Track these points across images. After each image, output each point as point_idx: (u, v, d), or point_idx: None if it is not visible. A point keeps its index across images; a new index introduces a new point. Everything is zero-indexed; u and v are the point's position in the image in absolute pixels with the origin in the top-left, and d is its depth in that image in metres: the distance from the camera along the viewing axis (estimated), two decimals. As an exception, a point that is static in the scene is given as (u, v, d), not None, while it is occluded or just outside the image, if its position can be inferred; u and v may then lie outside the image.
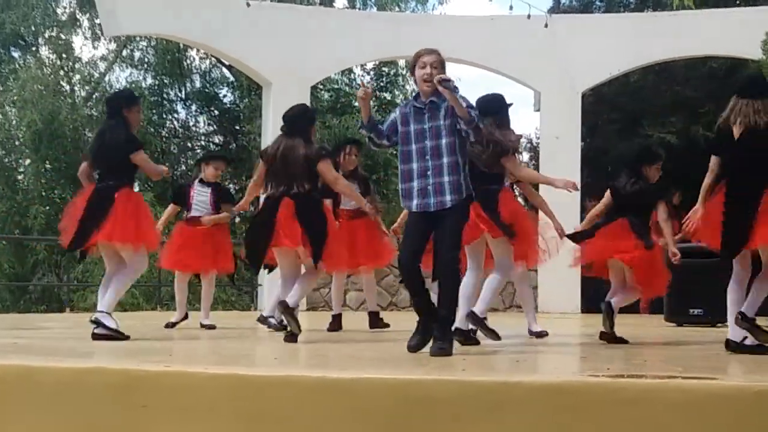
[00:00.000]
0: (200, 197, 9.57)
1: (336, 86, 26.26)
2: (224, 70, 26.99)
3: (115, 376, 4.72)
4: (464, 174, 6.25)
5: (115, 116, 7.65)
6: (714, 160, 6.56)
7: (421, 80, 6.26)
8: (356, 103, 25.66)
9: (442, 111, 6.20)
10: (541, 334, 8.05)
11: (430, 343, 6.09)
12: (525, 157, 25.81)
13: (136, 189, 8.97)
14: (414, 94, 6.50)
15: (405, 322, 7.15)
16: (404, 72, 24.39)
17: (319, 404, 4.43)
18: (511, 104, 7.30)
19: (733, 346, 6.48)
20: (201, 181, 9.66)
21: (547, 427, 4.27)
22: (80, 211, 7.49)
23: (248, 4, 15.23)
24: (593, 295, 9.33)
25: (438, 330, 6.12)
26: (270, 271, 8.68)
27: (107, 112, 7.86)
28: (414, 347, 6.12)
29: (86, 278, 21.63)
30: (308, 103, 15.57)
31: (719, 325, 10.69)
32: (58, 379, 4.78)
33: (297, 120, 7.79)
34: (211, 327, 9.26)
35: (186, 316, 9.62)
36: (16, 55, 27.66)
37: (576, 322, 11.78)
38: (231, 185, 23.85)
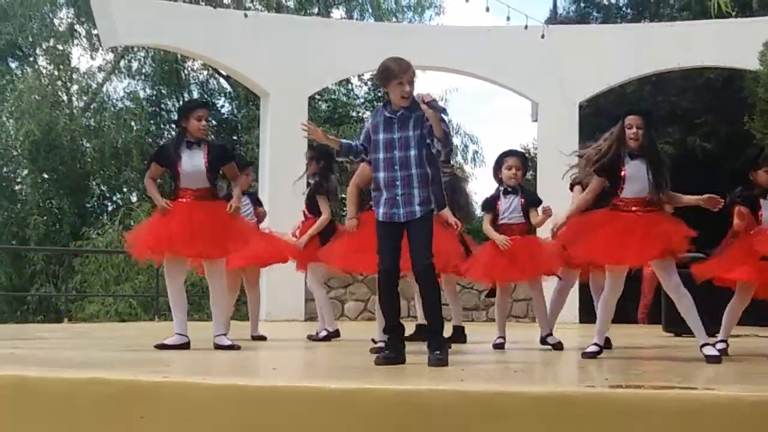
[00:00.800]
0: (191, 162, 9.02)
1: (334, 97, 26.32)
2: (222, 80, 27.03)
3: (113, 387, 4.72)
4: (434, 185, 6.27)
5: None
6: None
7: (399, 97, 6.20)
8: (354, 114, 25.85)
9: (411, 122, 6.19)
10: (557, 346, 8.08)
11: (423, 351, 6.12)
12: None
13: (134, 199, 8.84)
14: (384, 101, 6.46)
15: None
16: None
17: (317, 414, 4.43)
18: None
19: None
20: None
21: (545, 438, 4.28)
22: None
23: (246, 15, 15.28)
24: (591, 306, 9.33)
25: (432, 340, 6.11)
26: None
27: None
28: (382, 362, 6.03)
29: (84, 288, 21.63)
30: (306, 114, 15.65)
31: (717, 335, 10.70)
32: (56, 389, 4.78)
33: None
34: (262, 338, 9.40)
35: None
36: (13, 65, 27.69)
37: (574, 332, 11.76)
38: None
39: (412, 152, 6.17)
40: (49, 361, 6.46)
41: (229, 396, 4.55)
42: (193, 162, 7.56)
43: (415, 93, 6.21)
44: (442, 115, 6.14)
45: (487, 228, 8.00)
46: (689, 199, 7.02)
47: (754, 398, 4.32)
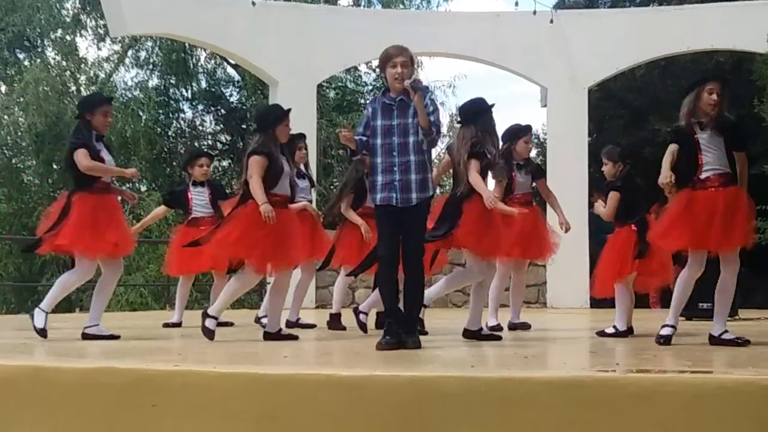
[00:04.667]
0: (199, 199, 9.53)
1: (342, 84, 26.26)
2: (230, 69, 26.99)
3: (124, 376, 4.73)
4: (430, 173, 6.35)
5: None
6: None
7: (392, 79, 6.33)
8: (362, 101, 25.79)
9: (411, 109, 6.28)
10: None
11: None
12: (533, 153, 25.83)
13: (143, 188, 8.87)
14: (383, 88, 6.55)
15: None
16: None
17: (328, 402, 4.43)
18: (492, 105, 7.22)
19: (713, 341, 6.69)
20: (194, 183, 9.60)
21: (556, 423, 4.27)
22: None
23: (254, 3, 15.22)
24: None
25: (408, 325, 6.28)
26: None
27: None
28: (384, 347, 6.14)
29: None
30: (314, 102, 15.63)
31: (728, 319, 10.68)
32: (68, 379, 4.79)
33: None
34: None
35: (180, 323, 9.57)
36: (21, 56, 27.69)
37: (584, 317, 11.76)
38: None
39: (411, 139, 6.26)
40: (62, 350, 6.48)
41: (240, 384, 4.56)
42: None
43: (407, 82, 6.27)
44: (430, 99, 6.25)
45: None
46: None
47: (766, 382, 4.31)
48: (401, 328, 6.25)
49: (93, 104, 7.74)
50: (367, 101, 26.15)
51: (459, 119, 7.22)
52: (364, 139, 6.44)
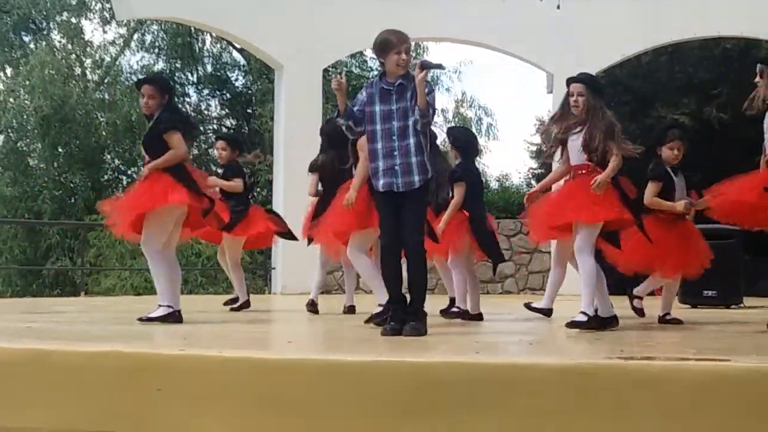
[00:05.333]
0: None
1: (347, 69, 26.24)
2: (235, 53, 26.98)
3: (129, 360, 4.73)
4: (428, 154, 6.35)
5: None
6: None
7: (395, 65, 6.34)
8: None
9: (409, 92, 6.30)
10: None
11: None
12: (538, 139, 25.77)
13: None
14: (379, 73, 6.55)
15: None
16: (414, 54, 24.29)
17: (332, 387, 4.44)
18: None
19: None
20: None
21: (560, 410, 4.28)
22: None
23: (259, -13, 15.20)
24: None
25: (411, 311, 6.25)
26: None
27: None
28: (389, 333, 6.15)
29: (99, 262, 21.70)
30: (320, 87, 15.59)
31: (733, 306, 10.69)
32: (73, 362, 4.80)
33: None
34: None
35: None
36: (27, 39, 27.68)
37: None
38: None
39: (410, 121, 6.29)
40: (67, 334, 6.49)
41: (245, 369, 4.56)
42: None
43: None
44: (439, 69, 6.33)
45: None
46: None
47: (770, 370, 4.31)
48: (406, 314, 6.26)
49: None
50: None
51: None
52: (356, 110, 6.43)
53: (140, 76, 25.59)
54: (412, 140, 6.26)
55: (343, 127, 6.53)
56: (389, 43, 6.38)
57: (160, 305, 7.18)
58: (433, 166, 6.43)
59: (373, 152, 6.38)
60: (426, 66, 6.25)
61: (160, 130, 7.26)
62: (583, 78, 7.25)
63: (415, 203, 6.29)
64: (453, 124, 26.63)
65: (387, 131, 6.30)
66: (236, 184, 9.43)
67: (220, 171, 9.77)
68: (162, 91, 7.43)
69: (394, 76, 6.36)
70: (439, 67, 6.39)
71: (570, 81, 7.16)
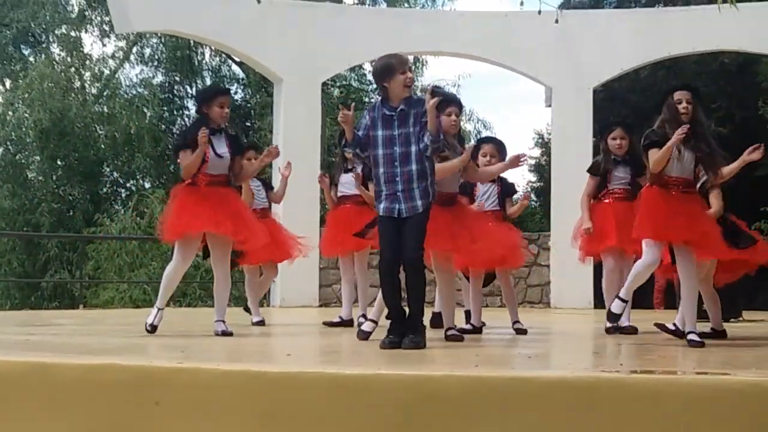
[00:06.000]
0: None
1: (346, 83, 26.28)
2: (234, 66, 27.02)
3: (128, 373, 4.72)
4: (431, 180, 6.37)
5: None
6: None
7: (402, 86, 6.34)
8: (366, 99, 25.79)
9: (411, 119, 6.32)
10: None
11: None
12: (537, 152, 25.81)
13: (147, 185, 8.77)
14: (379, 99, 6.55)
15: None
16: (413, 67, 24.31)
17: (331, 400, 4.43)
18: None
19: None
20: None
21: (559, 423, 4.27)
22: None
23: (259, 1, 15.21)
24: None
25: (410, 325, 6.28)
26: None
27: None
28: (387, 346, 6.16)
29: (98, 275, 21.67)
30: (319, 100, 15.62)
31: (732, 320, 10.68)
32: (71, 375, 4.79)
33: None
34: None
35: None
36: (26, 52, 27.73)
37: (588, 317, 11.76)
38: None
39: (413, 148, 6.31)
40: (65, 347, 6.48)
41: (243, 382, 4.55)
42: (220, 149, 7.53)
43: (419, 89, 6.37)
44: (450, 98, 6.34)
45: None
46: None
47: (770, 383, 4.30)
48: (404, 328, 6.27)
49: (209, 96, 7.74)
50: (371, 100, 26.24)
51: None
52: (361, 135, 6.45)
53: (139, 90, 25.68)
54: (414, 167, 6.28)
55: (352, 155, 6.60)
56: (391, 67, 6.38)
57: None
58: (434, 189, 6.43)
59: (375, 176, 6.43)
60: (438, 93, 6.27)
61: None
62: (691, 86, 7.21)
63: (416, 221, 6.32)
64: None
65: (389, 157, 6.32)
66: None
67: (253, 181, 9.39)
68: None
69: (397, 99, 6.36)
70: (451, 96, 6.42)
71: (679, 89, 7.08)
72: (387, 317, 6.47)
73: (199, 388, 4.57)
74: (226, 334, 7.39)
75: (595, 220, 8.30)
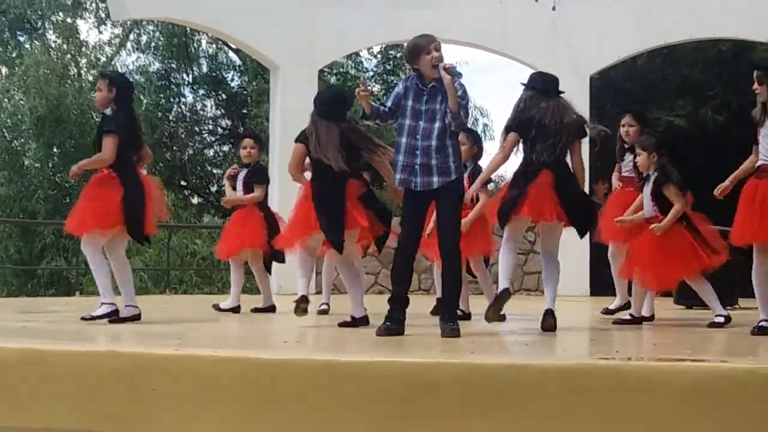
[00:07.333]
0: (240, 179, 9.31)
1: (343, 70, 26.23)
2: (231, 54, 26.96)
3: (124, 360, 4.73)
4: (453, 157, 6.38)
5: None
6: None
7: (430, 65, 6.39)
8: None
9: (440, 96, 6.37)
10: None
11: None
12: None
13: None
14: (417, 73, 6.56)
15: (418, 306, 7.13)
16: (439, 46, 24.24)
17: (328, 387, 4.43)
18: None
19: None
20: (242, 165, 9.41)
21: (556, 410, 4.28)
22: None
23: (255, -12, 15.17)
24: (601, 279, 9.36)
25: (447, 312, 6.29)
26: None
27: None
28: (384, 333, 6.17)
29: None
30: (316, 87, 15.58)
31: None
32: (68, 362, 4.80)
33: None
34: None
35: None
36: (22, 39, 27.65)
37: (585, 305, 11.76)
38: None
39: (437, 124, 6.35)
40: (62, 334, 6.48)
41: (239, 368, 4.56)
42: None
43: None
44: (459, 84, 6.34)
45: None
46: None
47: (766, 370, 4.31)
48: (404, 315, 6.28)
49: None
50: (368, 87, 26.11)
51: None
52: (382, 108, 6.53)
53: (135, 77, 25.61)
54: (434, 142, 6.32)
55: (371, 124, 6.69)
56: (419, 47, 6.47)
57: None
58: (459, 168, 6.42)
59: (397, 145, 6.48)
60: (452, 72, 6.32)
61: (101, 130, 7.31)
62: None
63: (446, 204, 6.35)
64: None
65: (413, 129, 6.38)
66: (256, 196, 9.20)
67: (243, 170, 9.36)
68: (111, 87, 7.58)
69: (429, 78, 6.42)
70: (459, 75, 6.43)
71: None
72: (388, 301, 6.44)
73: (196, 375, 4.58)
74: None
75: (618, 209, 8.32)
